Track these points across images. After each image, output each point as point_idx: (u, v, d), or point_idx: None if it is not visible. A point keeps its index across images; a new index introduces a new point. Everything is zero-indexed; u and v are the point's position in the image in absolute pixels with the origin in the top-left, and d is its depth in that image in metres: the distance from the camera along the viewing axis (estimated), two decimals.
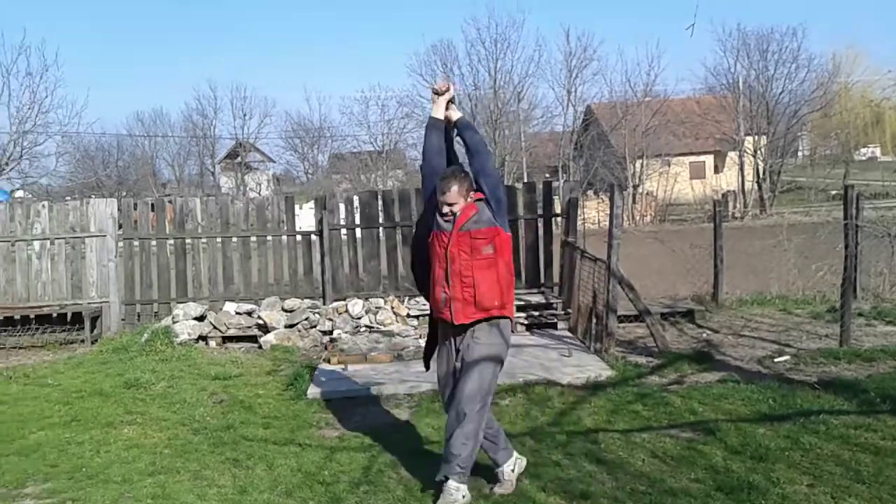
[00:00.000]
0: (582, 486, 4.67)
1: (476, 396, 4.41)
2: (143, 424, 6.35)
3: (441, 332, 4.73)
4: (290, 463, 5.34)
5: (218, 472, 5.24)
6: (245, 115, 56.69)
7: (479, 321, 4.48)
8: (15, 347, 10.18)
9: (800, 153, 48.64)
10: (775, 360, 7.58)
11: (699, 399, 6.28)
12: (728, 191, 36.83)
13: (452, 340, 4.62)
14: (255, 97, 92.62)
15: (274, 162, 60.11)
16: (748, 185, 37.17)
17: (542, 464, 5.09)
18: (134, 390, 7.42)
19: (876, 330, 8.85)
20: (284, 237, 11.22)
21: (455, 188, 4.45)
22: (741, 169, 37.65)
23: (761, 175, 36.83)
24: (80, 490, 4.98)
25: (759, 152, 36.46)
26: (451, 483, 4.36)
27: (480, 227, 4.46)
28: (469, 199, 4.49)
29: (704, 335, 9.06)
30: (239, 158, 54.48)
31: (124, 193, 40.24)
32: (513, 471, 4.72)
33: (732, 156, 40.16)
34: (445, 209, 4.48)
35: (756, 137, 36.98)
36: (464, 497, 4.37)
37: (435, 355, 4.82)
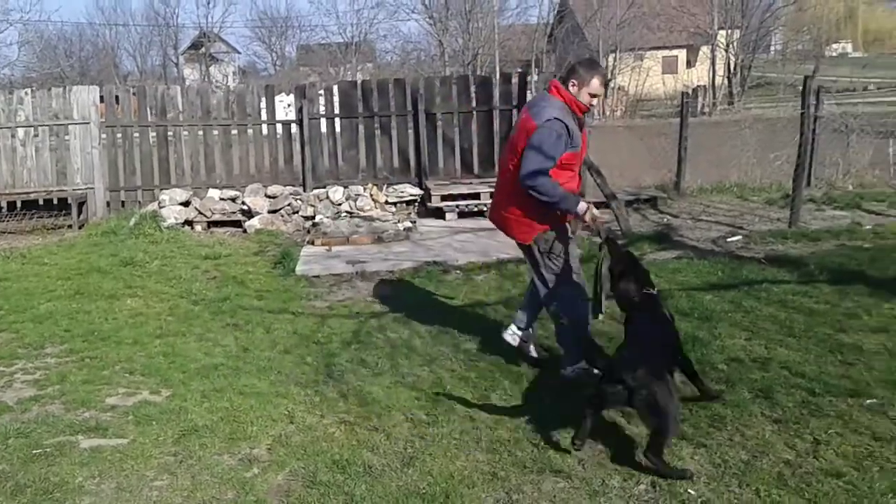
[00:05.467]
0: (548, 341, 5.28)
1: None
2: (144, 297, 6.84)
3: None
4: (285, 327, 5.90)
5: (220, 334, 5.79)
6: (209, 3, 55.24)
7: None
8: (3, 232, 10.50)
9: (772, 48, 48.67)
10: (728, 240, 8.21)
11: (656, 273, 6.79)
12: (699, 85, 37.01)
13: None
14: None
15: (239, 53, 58.91)
16: (718, 80, 37.38)
17: None
18: (130, 268, 7.87)
19: (825, 214, 9.48)
20: (265, 127, 11.47)
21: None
22: (713, 63, 37.73)
23: (732, 70, 37.03)
24: (95, 350, 5.50)
25: (731, 46, 36.54)
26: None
27: None
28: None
29: (665, 220, 9.65)
30: (203, 49, 53.23)
31: (87, 84, 39.37)
32: None
33: (705, 50, 40.14)
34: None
35: (729, 31, 36.97)
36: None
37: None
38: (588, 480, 3.51)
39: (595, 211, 4.44)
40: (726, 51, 36.64)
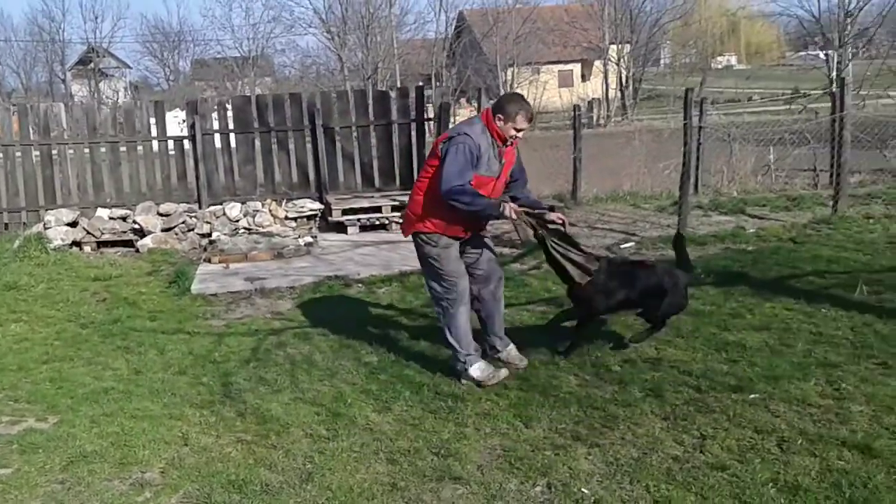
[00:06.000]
0: (449, 351, 5.31)
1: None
2: (29, 322, 6.53)
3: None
4: (180, 348, 5.74)
5: (111, 358, 5.58)
6: (97, 18, 53.60)
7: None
8: None
9: (661, 62, 50.77)
10: (621, 246, 8.50)
11: (553, 280, 7.03)
12: (594, 98, 38.20)
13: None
14: None
15: (130, 68, 57.35)
16: (612, 93, 38.66)
17: (416, 337, 5.71)
18: (14, 292, 7.49)
19: (711, 220, 9.92)
20: (155, 143, 11.15)
21: None
22: (605, 77, 39.03)
23: (624, 83, 38.39)
24: None
25: (622, 60, 37.88)
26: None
27: None
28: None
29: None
30: (92, 64, 51.48)
31: None
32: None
33: (598, 64, 41.50)
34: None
35: (620, 46, 38.34)
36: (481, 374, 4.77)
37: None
38: (486, 485, 3.55)
39: (515, 206, 4.68)
40: (618, 65, 37.97)
